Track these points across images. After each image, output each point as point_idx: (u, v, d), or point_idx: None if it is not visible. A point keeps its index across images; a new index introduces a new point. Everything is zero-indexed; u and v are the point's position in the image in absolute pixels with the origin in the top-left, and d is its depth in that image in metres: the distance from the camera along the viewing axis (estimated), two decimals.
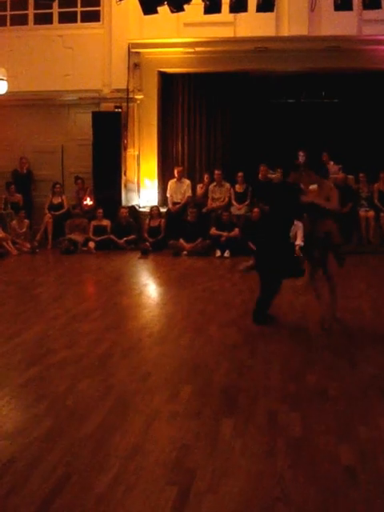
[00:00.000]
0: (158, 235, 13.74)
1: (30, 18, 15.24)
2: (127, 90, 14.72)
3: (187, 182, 14.58)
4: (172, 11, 10.44)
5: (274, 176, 13.67)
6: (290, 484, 3.72)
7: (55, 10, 14.97)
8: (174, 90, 15.59)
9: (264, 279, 7.41)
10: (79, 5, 15.11)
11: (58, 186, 14.67)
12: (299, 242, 11.69)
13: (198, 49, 14.40)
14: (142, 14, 10.51)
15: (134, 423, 4.60)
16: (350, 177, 13.68)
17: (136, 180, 15.22)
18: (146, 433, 4.44)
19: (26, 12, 15.21)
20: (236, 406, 4.93)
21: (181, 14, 10.89)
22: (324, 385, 5.39)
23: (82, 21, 15.14)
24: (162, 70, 15.16)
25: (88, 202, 14.50)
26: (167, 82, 15.50)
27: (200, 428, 4.51)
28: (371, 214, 13.34)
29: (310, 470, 3.90)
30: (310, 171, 7.56)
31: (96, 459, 4.03)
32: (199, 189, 14.66)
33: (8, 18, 15.26)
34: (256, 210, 13.13)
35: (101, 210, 13.95)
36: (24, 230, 13.86)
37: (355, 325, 7.42)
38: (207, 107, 15.56)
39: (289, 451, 4.15)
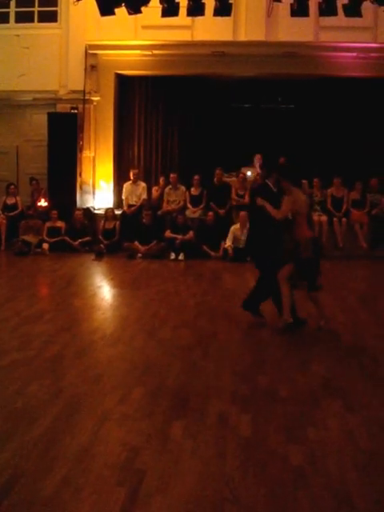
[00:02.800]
0: (113, 237, 13.68)
1: None
2: (84, 91, 14.65)
3: (143, 184, 14.55)
4: (129, 13, 10.42)
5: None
6: (239, 485, 3.74)
7: (12, 9, 14.86)
8: (131, 92, 15.58)
9: (262, 275, 7.57)
10: (36, 5, 15.00)
11: (12, 186, 14.50)
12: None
13: (155, 51, 14.39)
14: (99, 15, 10.46)
15: (84, 425, 4.56)
16: (304, 182, 13.81)
17: (91, 182, 15.17)
18: (96, 435, 4.41)
19: None
20: (187, 407, 4.94)
21: (138, 16, 10.87)
22: (274, 386, 5.44)
23: (39, 21, 15.04)
24: (119, 71, 15.13)
25: (42, 203, 14.36)
26: (124, 84, 15.47)
27: (150, 429, 4.50)
28: (324, 218, 13.52)
29: (260, 471, 3.92)
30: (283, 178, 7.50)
31: (45, 461, 3.99)
32: (155, 191, 14.67)
33: None
34: (210, 213, 13.22)
35: (55, 212, 13.83)
36: None
37: (306, 327, 7.50)
38: (164, 110, 15.62)
39: (238, 452, 4.17)
